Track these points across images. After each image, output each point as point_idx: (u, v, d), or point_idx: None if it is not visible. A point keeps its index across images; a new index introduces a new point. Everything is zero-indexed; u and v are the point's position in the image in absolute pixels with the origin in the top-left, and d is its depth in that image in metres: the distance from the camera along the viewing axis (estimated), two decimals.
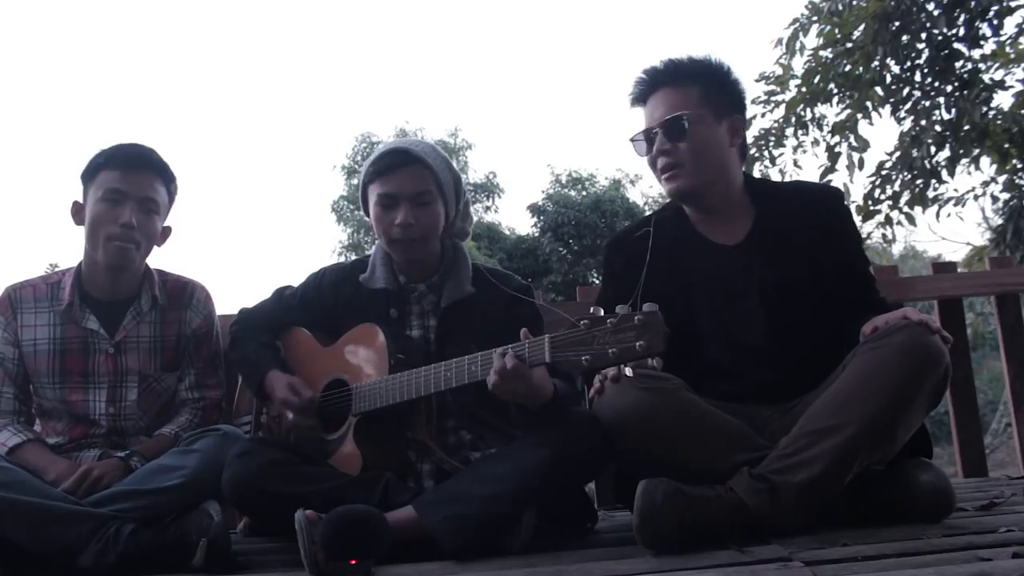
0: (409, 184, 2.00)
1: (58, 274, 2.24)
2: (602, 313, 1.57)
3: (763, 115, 6.70)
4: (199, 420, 2.20)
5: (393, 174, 2.01)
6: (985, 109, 5.75)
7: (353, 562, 1.52)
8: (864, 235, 6.32)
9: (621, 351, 1.52)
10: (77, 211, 2.20)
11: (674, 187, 2.00)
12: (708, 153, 1.98)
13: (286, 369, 2.11)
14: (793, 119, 6.56)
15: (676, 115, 1.97)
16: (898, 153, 6.17)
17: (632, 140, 2.08)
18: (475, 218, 2.23)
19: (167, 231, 2.27)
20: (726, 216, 2.03)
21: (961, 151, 5.93)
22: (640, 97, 2.08)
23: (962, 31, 5.72)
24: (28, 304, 2.19)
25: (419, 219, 2.00)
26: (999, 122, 5.85)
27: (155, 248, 2.23)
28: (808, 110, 6.51)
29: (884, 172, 6.27)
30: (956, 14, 5.60)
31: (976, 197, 6.44)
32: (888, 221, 6.36)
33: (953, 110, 5.83)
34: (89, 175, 2.18)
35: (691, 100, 1.98)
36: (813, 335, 1.90)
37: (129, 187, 2.12)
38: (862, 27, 5.95)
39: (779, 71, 6.61)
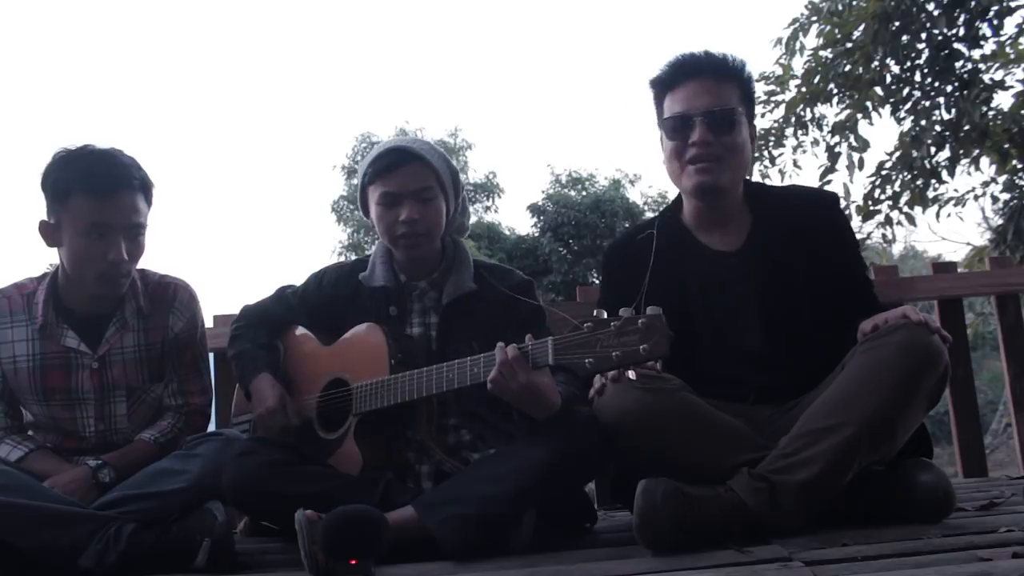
0: (411, 181, 1.99)
1: (32, 283, 2.10)
2: (605, 316, 1.57)
3: (763, 115, 6.70)
4: (182, 426, 2.14)
5: (393, 173, 2.00)
6: (985, 109, 5.73)
7: (353, 562, 1.52)
8: (864, 235, 6.31)
9: (625, 354, 1.52)
10: (49, 232, 2.00)
11: (705, 180, 1.95)
12: (742, 153, 1.97)
13: (281, 372, 2.12)
14: (793, 119, 6.54)
15: (728, 108, 1.93)
16: (898, 153, 6.16)
17: (663, 121, 2.00)
18: (474, 218, 2.23)
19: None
20: (725, 221, 2.02)
21: (961, 151, 5.92)
22: (672, 80, 2.00)
23: (962, 31, 5.71)
24: (4, 318, 2.06)
25: (423, 215, 2.00)
26: (999, 122, 5.84)
27: None
28: (808, 110, 6.49)
29: (884, 172, 6.25)
30: (956, 14, 5.59)
31: (976, 197, 6.42)
32: (888, 221, 6.35)
33: (953, 110, 5.82)
34: (59, 196, 1.96)
35: (734, 97, 1.97)
36: (811, 340, 1.89)
37: (113, 218, 1.94)
38: (862, 27, 5.94)
39: (779, 71, 6.60)
